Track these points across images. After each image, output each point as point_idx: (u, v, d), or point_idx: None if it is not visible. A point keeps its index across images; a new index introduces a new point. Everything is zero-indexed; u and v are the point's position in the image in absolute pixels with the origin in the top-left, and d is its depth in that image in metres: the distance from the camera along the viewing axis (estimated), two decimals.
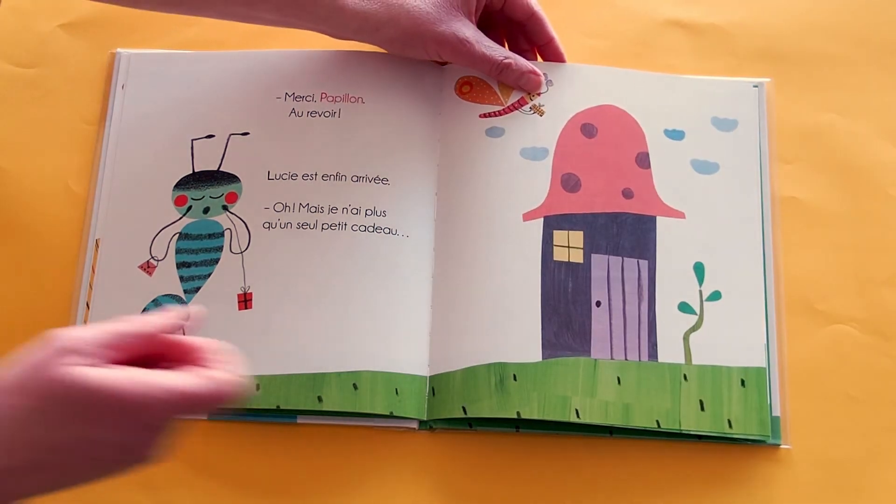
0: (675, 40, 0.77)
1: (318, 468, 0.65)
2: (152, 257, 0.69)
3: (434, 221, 0.70)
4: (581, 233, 0.68)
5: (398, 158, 0.71)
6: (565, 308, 0.67)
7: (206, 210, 0.70)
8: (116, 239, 0.70)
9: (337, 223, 0.69)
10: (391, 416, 0.65)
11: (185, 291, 0.68)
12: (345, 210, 0.70)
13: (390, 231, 0.69)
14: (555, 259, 0.68)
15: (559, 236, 0.68)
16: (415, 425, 0.66)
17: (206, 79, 0.74)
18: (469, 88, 0.73)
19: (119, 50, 0.76)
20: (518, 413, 0.63)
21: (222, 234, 0.70)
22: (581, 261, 0.68)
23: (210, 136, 0.72)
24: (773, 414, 0.65)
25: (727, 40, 0.77)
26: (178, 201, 0.71)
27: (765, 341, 0.67)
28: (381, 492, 0.64)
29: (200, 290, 0.68)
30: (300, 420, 0.66)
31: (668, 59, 0.76)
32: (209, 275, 0.68)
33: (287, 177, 0.71)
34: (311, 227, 0.69)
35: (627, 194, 0.70)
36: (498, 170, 0.70)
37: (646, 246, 0.68)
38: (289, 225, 0.69)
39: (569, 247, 0.68)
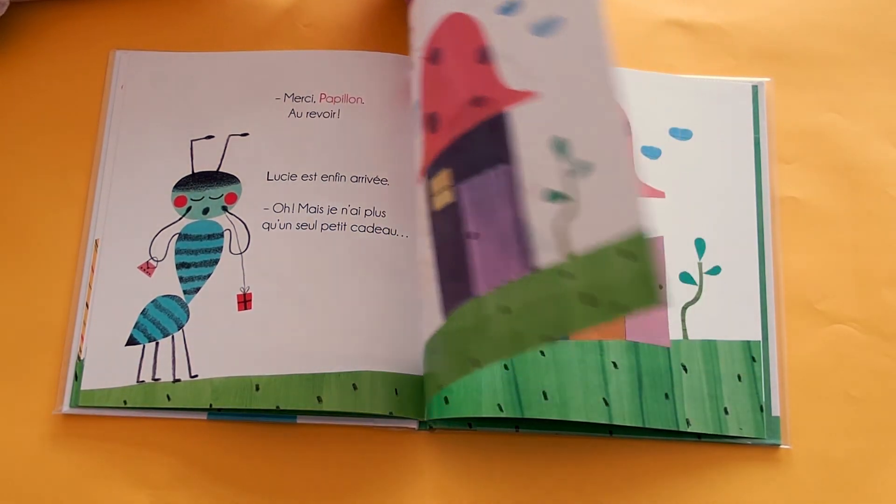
0: (675, 40, 0.77)
1: (318, 468, 0.65)
2: (152, 258, 0.69)
3: None
4: (449, 170, 0.58)
5: (398, 158, 0.71)
6: (454, 258, 0.57)
7: (205, 211, 0.70)
8: (116, 239, 0.70)
9: (336, 223, 0.69)
10: (391, 417, 0.65)
11: (185, 292, 0.68)
12: (344, 210, 0.70)
13: (390, 231, 0.69)
14: (437, 209, 0.59)
15: (436, 184, 0.59)
16: (415, 425, 0.66)
17: (206, 79, 0.74)
18: None
19: (118, 50, 0.76)
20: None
21: (222, 235, 0.70)
22: (452, 199, 0.57)
23: (209, 137, 0.72)
24: (773, 414, 0.65)
25: (727, 40, 0.77)
26: (178, 202, 0.71)
27: (761, 340, 0.67)
28: (380, 492, 0.64)
29: (200, 291, 0.68)
30: (300, 420, 0.66)
31: (668, 59, 0.76)
32: (209, 275, 0.68)
33: (286, 177, 0.71)
34: (311, 227, 0.69)
35: (477, 102, 0.57)
36: None
37: (504, 150, 0.55)
38: (288, 225, 0.69)
39: (442, 190, 0.59)
